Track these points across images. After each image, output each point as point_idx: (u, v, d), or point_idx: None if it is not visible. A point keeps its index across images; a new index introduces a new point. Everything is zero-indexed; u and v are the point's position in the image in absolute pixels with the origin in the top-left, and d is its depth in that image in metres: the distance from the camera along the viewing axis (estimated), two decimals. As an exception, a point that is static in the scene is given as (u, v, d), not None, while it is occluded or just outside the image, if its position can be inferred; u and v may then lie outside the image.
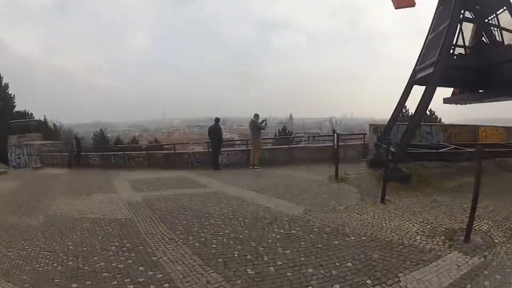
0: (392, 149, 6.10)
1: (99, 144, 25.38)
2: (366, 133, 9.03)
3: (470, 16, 6.84)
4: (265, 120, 9.93)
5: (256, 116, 9.64)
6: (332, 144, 9.29)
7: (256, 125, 9.53)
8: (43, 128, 22.45)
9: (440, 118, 22.08)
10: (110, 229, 4.29)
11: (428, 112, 21.94)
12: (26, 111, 25.40)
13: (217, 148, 10.12)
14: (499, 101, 7.23)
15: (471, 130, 10.09)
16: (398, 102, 7.49)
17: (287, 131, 28.50)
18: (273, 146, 10.01)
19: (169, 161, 11.18)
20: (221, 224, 4.34)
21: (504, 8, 6.36)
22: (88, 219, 4.81)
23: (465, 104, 8.52)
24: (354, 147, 8.54)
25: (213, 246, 3.59)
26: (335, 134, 6.92)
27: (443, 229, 3.77)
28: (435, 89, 6.16)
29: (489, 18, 6.77)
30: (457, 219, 4.16)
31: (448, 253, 3.17)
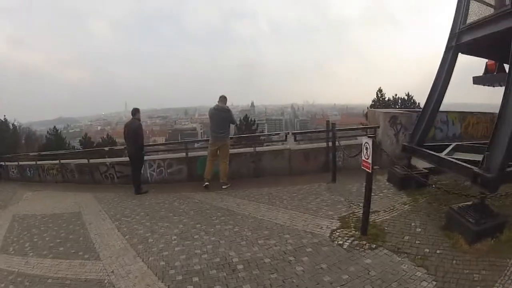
0: (479, 171, 2.83)
1: (53, 145, 19.08)
2: (378, 126, 5.74)
3: None
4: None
5: (223, 99, 5.62)
6: (326, 144, 5.94)
7: (226, 115, 5.57)
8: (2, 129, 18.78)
9: (418, 103, 17.57)
10: None
11: (405, 96, 19.59)
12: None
13: (138, 160, 6.01)
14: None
15: (490, 120, 7.47)
16: (438, 80, 4.22)
17: (249, 119, 24.49)
18: (232, 150, 6.09)
19: (84, 174, 7.82)
20: None
21: None
22: None
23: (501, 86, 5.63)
24: (356, 147, 5.23)
25: None
26: (366, 141, 3.16)
27: None
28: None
29: None
30: None
31: None
